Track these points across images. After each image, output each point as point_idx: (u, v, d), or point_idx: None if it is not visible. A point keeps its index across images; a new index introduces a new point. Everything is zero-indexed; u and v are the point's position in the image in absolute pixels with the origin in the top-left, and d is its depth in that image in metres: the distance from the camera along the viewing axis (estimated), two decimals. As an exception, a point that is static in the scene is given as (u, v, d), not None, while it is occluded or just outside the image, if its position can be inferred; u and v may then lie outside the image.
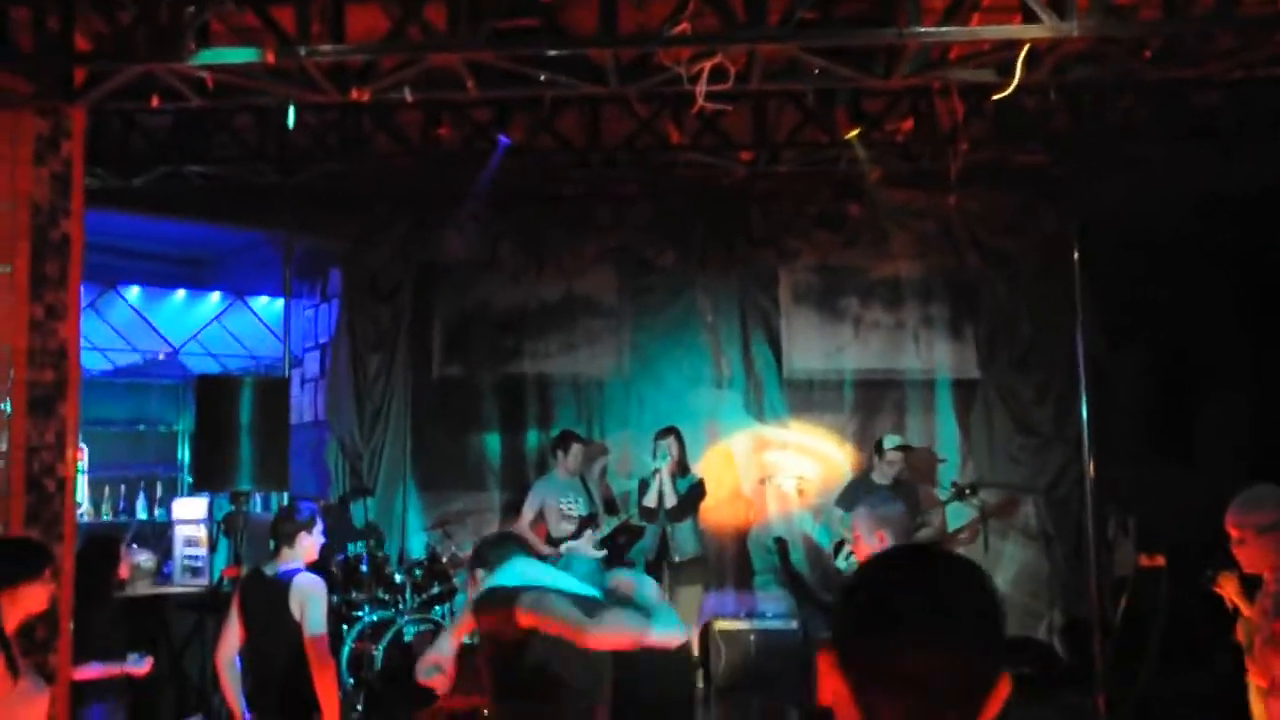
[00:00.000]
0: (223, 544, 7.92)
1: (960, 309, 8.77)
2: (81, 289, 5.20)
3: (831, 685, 1.29)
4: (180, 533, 8.69)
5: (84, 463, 8.97)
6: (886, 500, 4.05)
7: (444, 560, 7.59)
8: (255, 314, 10.47)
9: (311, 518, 4.93)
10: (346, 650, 6.90)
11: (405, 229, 8.81)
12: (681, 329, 8.84)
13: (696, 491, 7.73)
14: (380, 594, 7.22)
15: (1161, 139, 6.85)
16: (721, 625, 7.68)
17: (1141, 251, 7.66)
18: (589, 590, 3.73)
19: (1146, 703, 6.49)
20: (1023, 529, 8.38)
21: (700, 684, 7.55)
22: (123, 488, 10.08)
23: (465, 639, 4.31)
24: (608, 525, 7.72)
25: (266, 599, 4.75)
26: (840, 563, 7.48)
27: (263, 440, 6.48)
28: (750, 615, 7.97)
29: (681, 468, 7.71)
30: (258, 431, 6.47)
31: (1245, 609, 4.67)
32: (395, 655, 6.91)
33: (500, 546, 4.03)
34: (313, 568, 4.95)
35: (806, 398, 8.79)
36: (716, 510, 8.25)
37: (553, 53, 5.03)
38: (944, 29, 4.82)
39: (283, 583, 4.72)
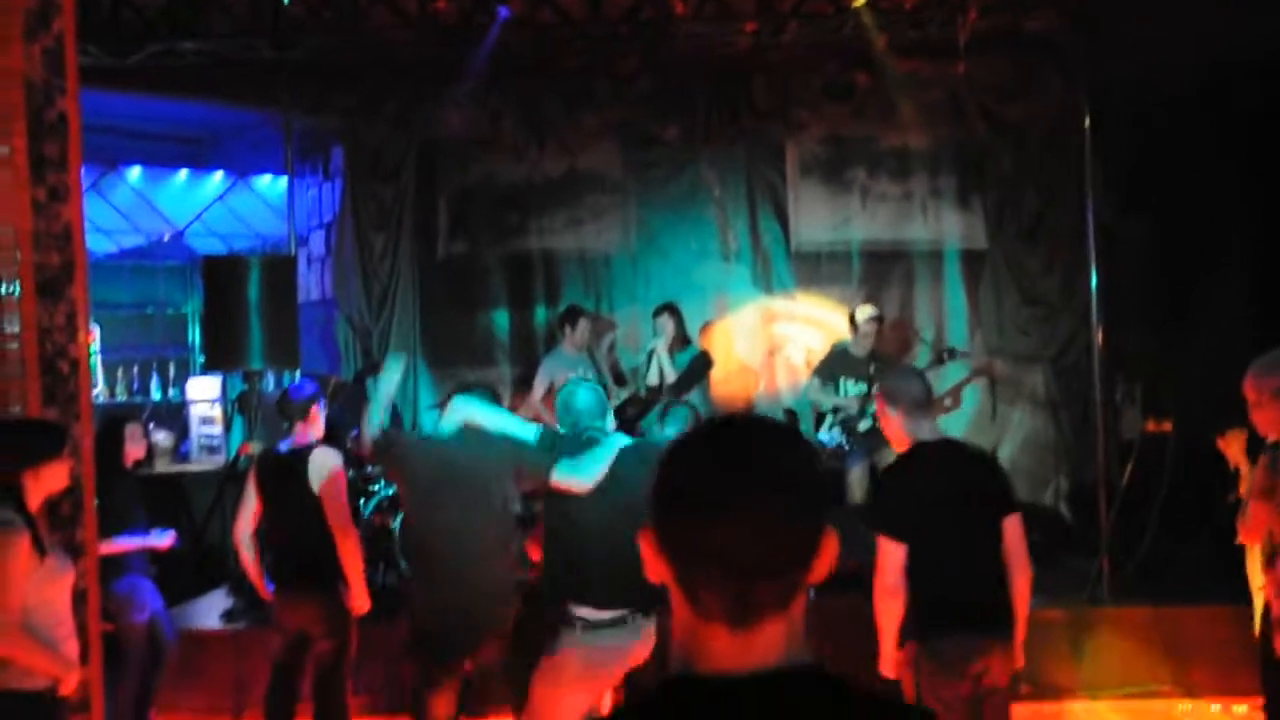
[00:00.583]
0: (237, 422, 8.03)
1: (968, 179, 8.66)
2: (83, 170, 5.15)
3: (655, 568, 1.25)
4: (195, 412, 8.83)
5: (95, 345, 9.05)
6: (909, 376, 4.02)
7: (456, 435, 7.67)
8: (258, 194, 10.40)
9: (318, 392, 5.00)
10: (364, 523, 7.03)
11: (405, 105, 8.66)
12: (687, 203, 8.76)
13: (699, 363, 7.74)
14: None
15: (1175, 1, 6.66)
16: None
17: (1152, 118, 7.52)
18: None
19: (1150, 566, 6.62)
20: (1030, 397, 8.43)
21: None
22: (135, 369, 10.19)
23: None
24: (617, 398, 7.77)
25: (285, 474, 4.84)
26: (822, 435, 7.57)
27: (272, 319, 6.52)
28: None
29: (680, 342, 7.71)
30: (266, 311, 6.51)
31: (1246, 469, 4.73)
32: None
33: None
34: (327, 442, 5.03)
35: (814, 270, 8.76)
36: (726, 383, 8.29)
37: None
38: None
39: (300, 457, 4.81)
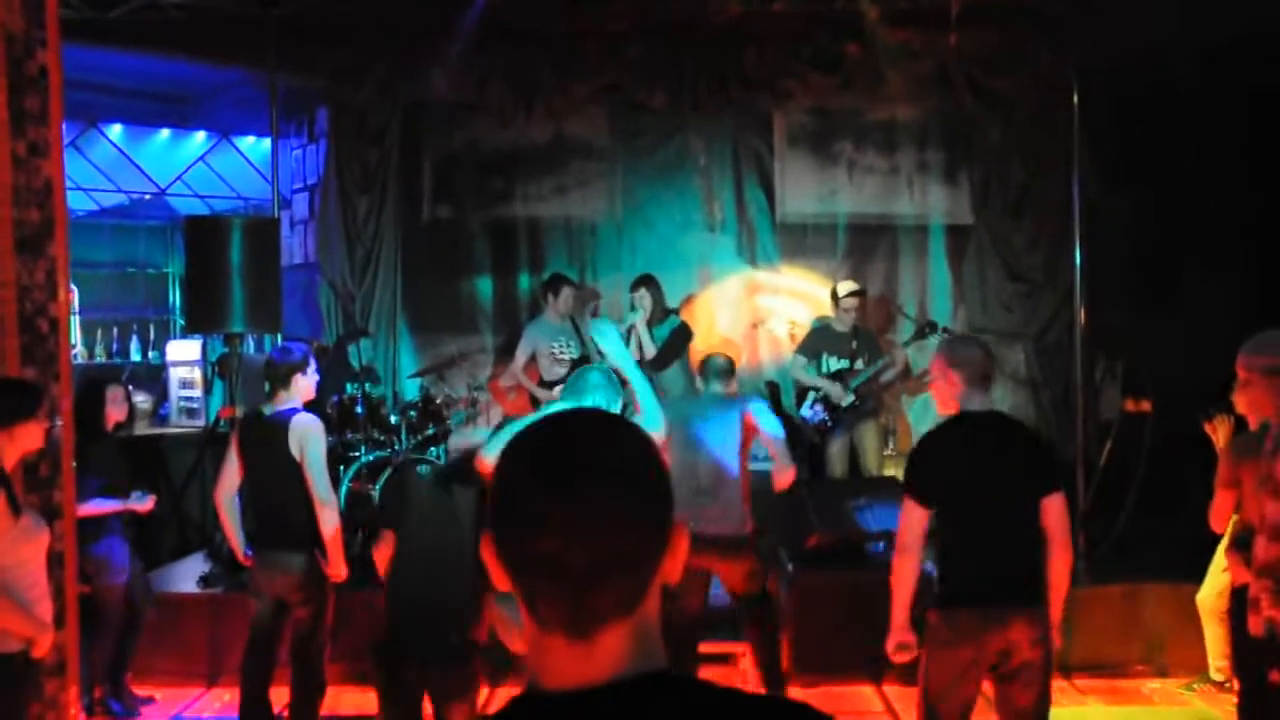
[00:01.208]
0: (218, 385, 7.97)
1: (955, 153, 8.64)
2: (64, 126, 5.07)
3: (498, 578, 1.17)
4: (175, 374, 8.77)
5: (75, 304, 8.96)
6: (974, 346, 4.01)
7: (438, 402, 7.65)
8: (241, 154, 10.28)
9: (305, 358, 4.96)
10: (344, 490, 7.01)
11: (392, 67, 8.56)
12: (674, 172, 8.71)
13: (680, 335, 7.70)
14: (376, 435, 7.30)
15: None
16: (713, 467, 7.80)
17: (1140, 95, 7.51)
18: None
19: (1126, 543, 6.67)
20: (1012, 375, 8.45)
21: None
22: (114, 330, 10.11)
23: None
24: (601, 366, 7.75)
25: (265, 439, 4.81)
26: (804, 410, 7.58)
27: (254, 282, 6.47)
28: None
29: (660, 314, 7.66)
30: (248, 273, 6.45)
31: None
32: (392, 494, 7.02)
33: None
34: (309, 408, 5.00)
35: (799, 242, 8.74)
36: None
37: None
38: None
39: (281, 423, 4.78)
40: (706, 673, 5.49)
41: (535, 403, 7.93)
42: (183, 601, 6.22)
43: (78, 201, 9.80)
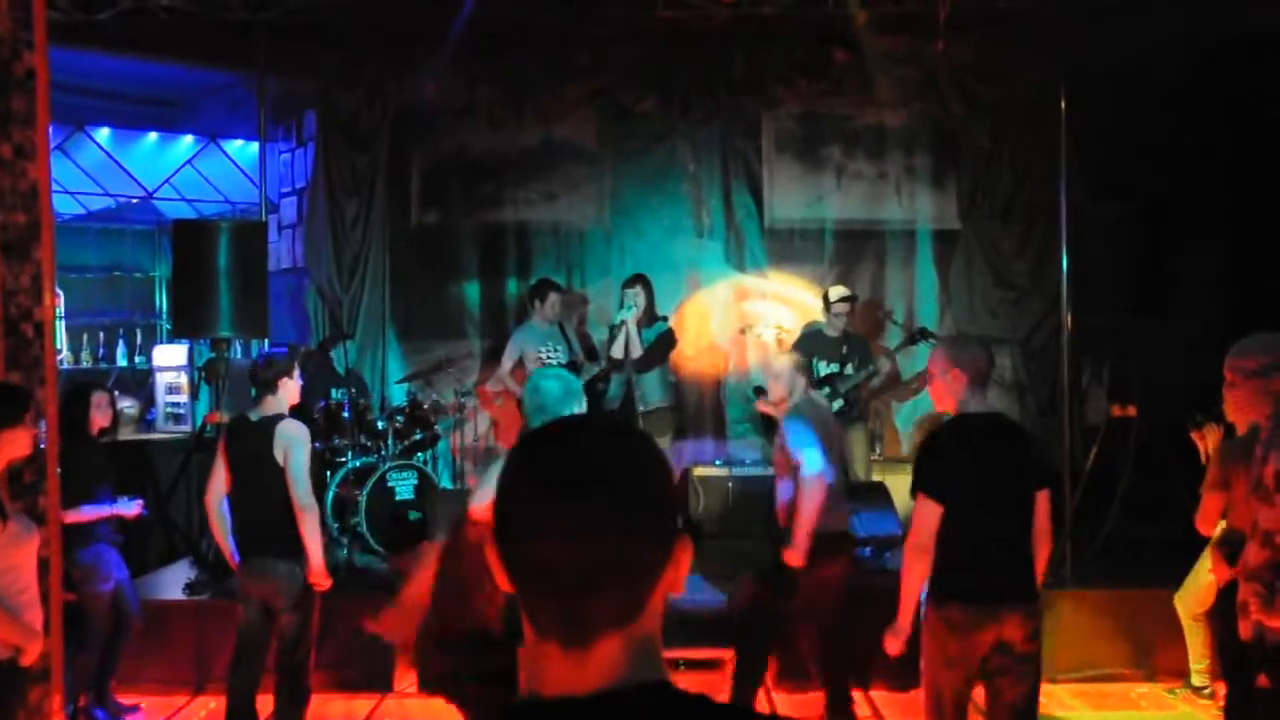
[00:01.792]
0: (204, 391, 7.94)
1: (943, 159, 8.67)
2: (50, 129, 5.05)
3: (503, 584, 1.17)
4: (162, 380, 8.73)
5: (60, 309, 8.92)
6: (975, 347, 4.11)
7: (425, 407, 7.64)
8: (229, 157, 10.25)
9: (290, 363, 4.95)
10: (331, 496, 7.00)
11: (380, 71, 8.56)
12: (662, 177, 8.72)
13: (665, 341, 7.71)
14: (363, 440, 7.28)
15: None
16: (700, 472, 7.81)
17: (1127, 101, 7.54)
18: None
19: (1112, 549, 6.69)
20: (998, 380, 8.46)
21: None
22: (101, 335, 10.06)
23: None
24: (588, 372, 7.76)
25: (251, 445, 4.80)
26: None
27: (241, 286, 6.44)
28: (728, 462, 8.11)
29: (649, 317, 7.67)
30: (236, 277, 6.42)
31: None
32: (379, 501, 7.01)
33: None
34: (295, 413, 4.99)
35: (787, 247, 8.76)
36: (696, 359, 8.30)
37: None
38: None
39: (266, 428, 4.77)
40: (692, 678, 5.49)
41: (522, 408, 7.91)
42: (169, 608, 6.18)
43: (64, 205, 9.76)
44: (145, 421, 8.81)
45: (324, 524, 5.01)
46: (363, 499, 6.90)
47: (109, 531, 5.47)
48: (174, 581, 6.58)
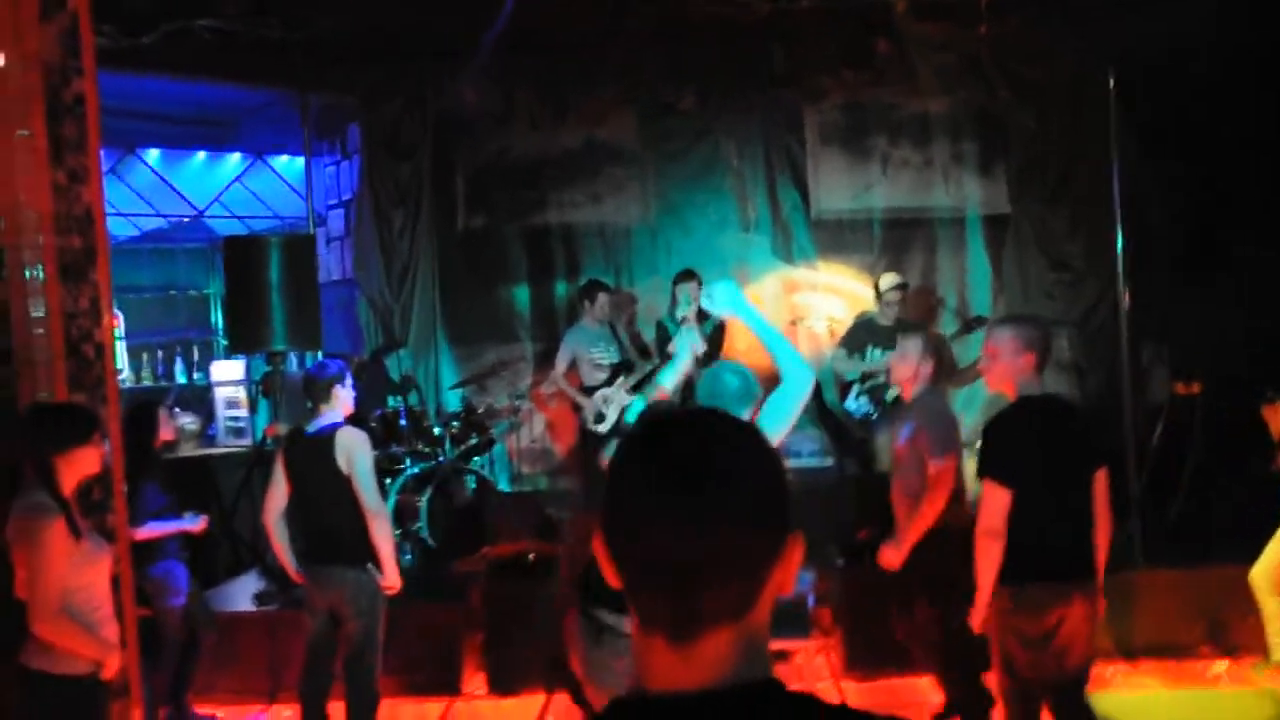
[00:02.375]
0: (262, 404, 8.04)
1: (990, 144, 8.57)
2: (102, 153, 5.13)
3: (610, 576, 1.17)
4: (221, 395, 8.84)
5: (120, 329, 9.07)
6: (1033, 324, 4.12)
7: (480, 412, 7.68)
8: (277, 173, 10.38)
9: (341, 371, 4.97)
10: (391, 503, 7.05)
11: (419, 81, 8.62)
12: (706, 173, 8.69)
13: (720, 335, 7.69)
14: (421, 447, 7.33)
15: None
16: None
17: (1174, 74, 7.39)
18: None
19: (1182, 528, 6.58)
20: (1055, 362, 8.34)
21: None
22: (159, 353, 10.22)
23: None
24: (640, 370, 7.76)
25: (311, 455, 4.84)
26: (849, 403, 7.53)
27: (293, 299, 6.51)
28: (786, 454, 8.05)
29: (700, 313, 7.63)
30: (287, 291, 6.49)
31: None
32: (438, 506, 7.05)
33: None
34: (351, 422, 5.02)
35: (835, 238, 8.70)
36: (749, 355, 8.23)
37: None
38: None
39: (326, 437, 4.80)
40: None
41: (577, 409, 7.94)
42: (240, 620, 6.25)
43: (119, 227, 9.93)
44: (207, 437, 8.92)
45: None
46: (423, 505, 6.95)
47: (176, 547, 5.54)
48: (243, 593, 6.67)
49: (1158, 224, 7.64)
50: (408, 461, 7.22)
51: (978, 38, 7.69)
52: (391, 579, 4.82)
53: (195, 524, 5.51)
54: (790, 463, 7.80)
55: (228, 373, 8.91)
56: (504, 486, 8.05)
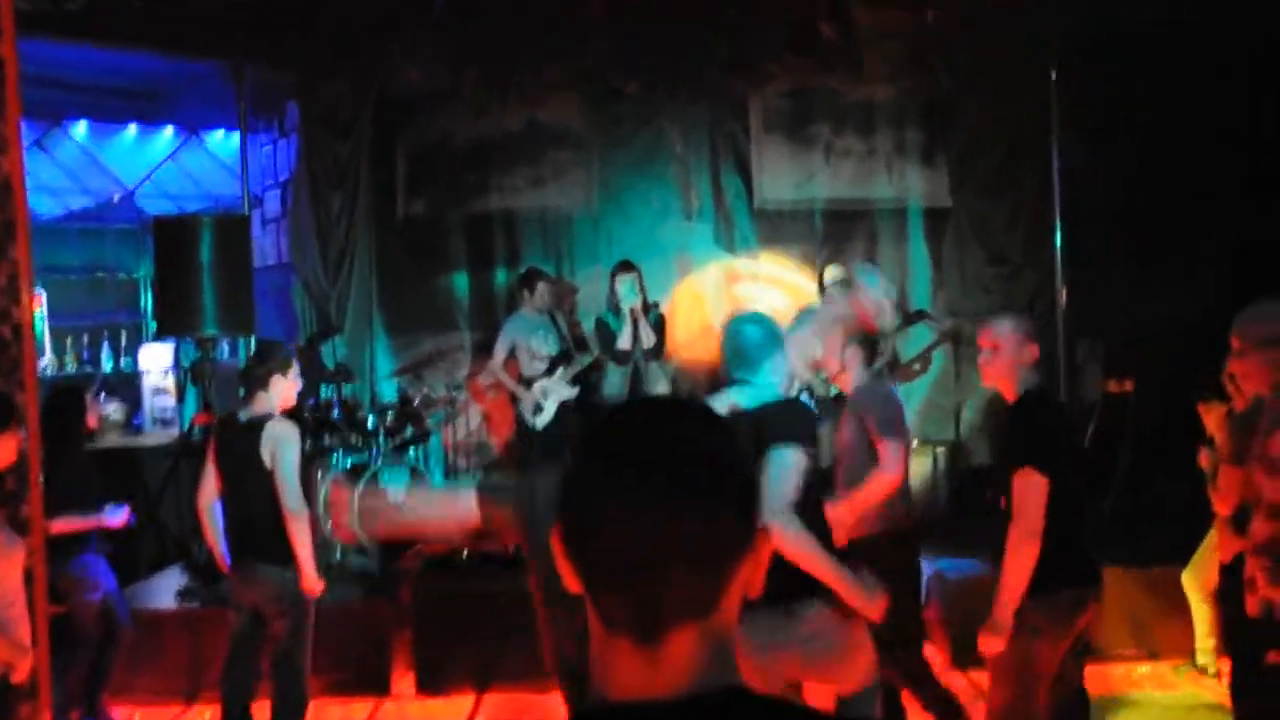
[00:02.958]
0: (191, 392, 7.84)
1: (933, 134, 8.56)
2: (25, 124, 4.92)
3: (566, 573, 1.12)
4: (148, 382, 8.60)
5: (42, 311, 8.79)
6: (1026, 316, 3.97)
7: (416, 403, 7.54)
8: (211, 151, 10.12)
9: (283, 359, 4.80)
10: (323, 495, 6.89)
11: (362, 58, 8.42)
12: (650, 160, 8.60)
13: (662, 326, 7.63)
14: (353, 438, 7.18)
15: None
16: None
17: (1117, 69, 7.43)
18: None
19: (1112, 525, 6.63)
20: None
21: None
22: (85, 337, 9.91)
23: None
24: (580, 362, 7.68)
25: (240, 446, 4.68)
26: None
27: (225, 282, 6.35)
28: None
29: (645, 304, 7.57)
30: (219, 274, 6.32)
31: (1222, 439, 4.72)
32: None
33: None
34: (286, 412, 4.87)
35: (777, 228, 8.65)
36: (689, 346, 8.18)
37: None
38: None
39: (254, 428, 4.64)
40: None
41: (515, 401, 7.84)
42: (159, 617, 6.06)
43: (43, 205, 9.62)
44: (133, 426, 8.68)
45: (316, 525, 4.87)
46: (355, 499, 6.79)
47: (96, 540, 5.36)
48: (165, 589, 6.47)
49: (1097, 218, 7.70)
50: (339, 453, 7.07)
51: (924, 25, 7.67)
52: (310, 581, 4.62)
53: (116, 517, 5.31)
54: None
55: (156, 359, 8.68)
56: (438, 480, 7.92)
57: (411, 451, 7.48)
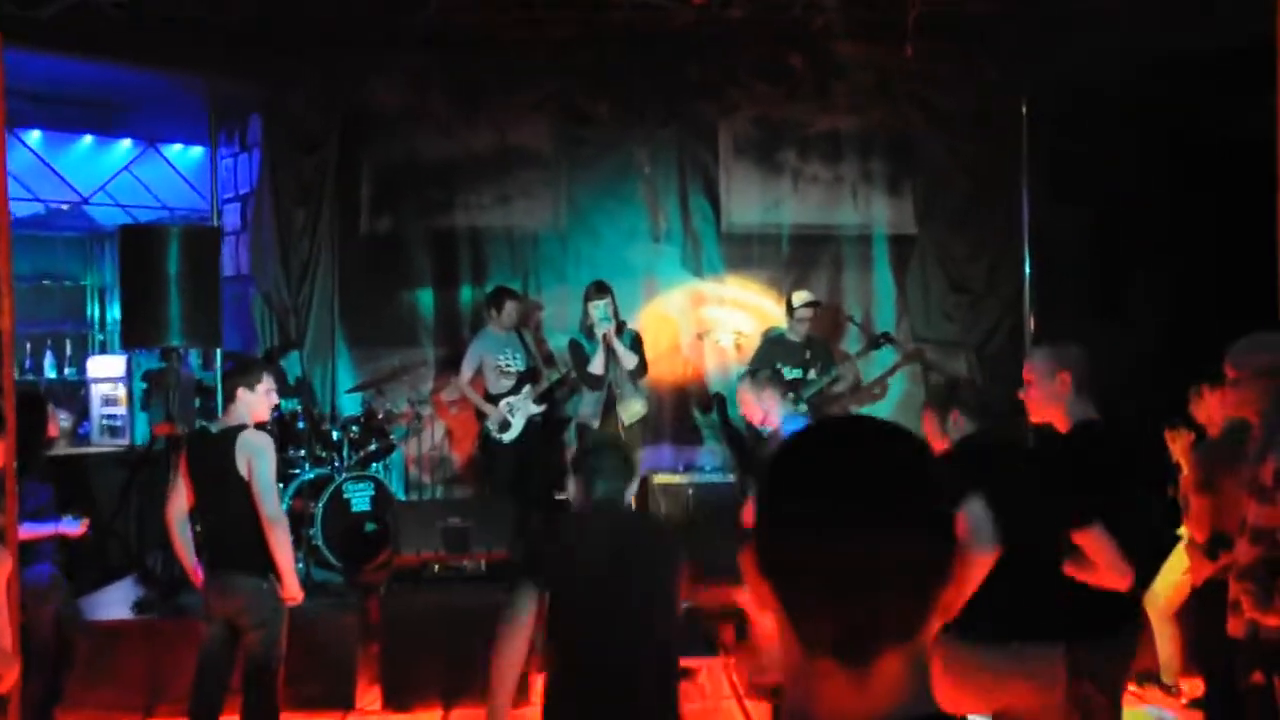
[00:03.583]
0: (139, 402, 7.67)
1: (899, 164, 8.68)
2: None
3: (759, 593, 1.11)
4: (97, 391, 8.40)
5: (-10, 318, 8.52)
6: (1067, 344, 3.82)
7: (380, 417, 7.44)
8: (169, 162, 9.93)
9: (251, 374, 4.77)
10: (285, 508, 6.77)
11: (330, 74, 8.34)
12: (618, 182, 8.61)
13: (640, 347, 7.61)
14: (318, 451, 7.07)
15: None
16: (660, 479, 7.70)
17: (1085, 112, 7.60)
18: None
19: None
20: (953, 386, 8.50)
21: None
22: (28, 345, 9.65)
23: None
24: (547, 380, 7.65)
25: (213, 457, 4.62)
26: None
27: (191, 294, 6.22)
28: (688, 468, 8.03)
29: (619, 326, 7.55)
30: (186, 285, 6.20)
31: (1186, 469, 4.82)
32: (335, 512, 6.81)
33: None
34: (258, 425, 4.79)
35: (744, 252, 8.70)
36: (655, 366, 8.19)
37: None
38: None
39: (229, 439, 4.58)
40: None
41: (481, 417, 7.77)
42: (114, 629, 5.91)
43: (-9, 211, 9.34)
44: (79, 435, 8.46)
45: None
46: (318, 511, 6.70)
47: (52, 550, 5.21)
48: (118, 600, 6.31)
49: (1060, 253, 7.84)
50: (304, 466, 6.95)
51: (895, 59, 7.78)
52: (291, 590, 4.62)
53: (75, 527, 5.18)
54: (694, 478, 7.75)
55: (106, 369, 8.47)
56: (400, 495, 7.82)
57: (374, 465, 7.39)
